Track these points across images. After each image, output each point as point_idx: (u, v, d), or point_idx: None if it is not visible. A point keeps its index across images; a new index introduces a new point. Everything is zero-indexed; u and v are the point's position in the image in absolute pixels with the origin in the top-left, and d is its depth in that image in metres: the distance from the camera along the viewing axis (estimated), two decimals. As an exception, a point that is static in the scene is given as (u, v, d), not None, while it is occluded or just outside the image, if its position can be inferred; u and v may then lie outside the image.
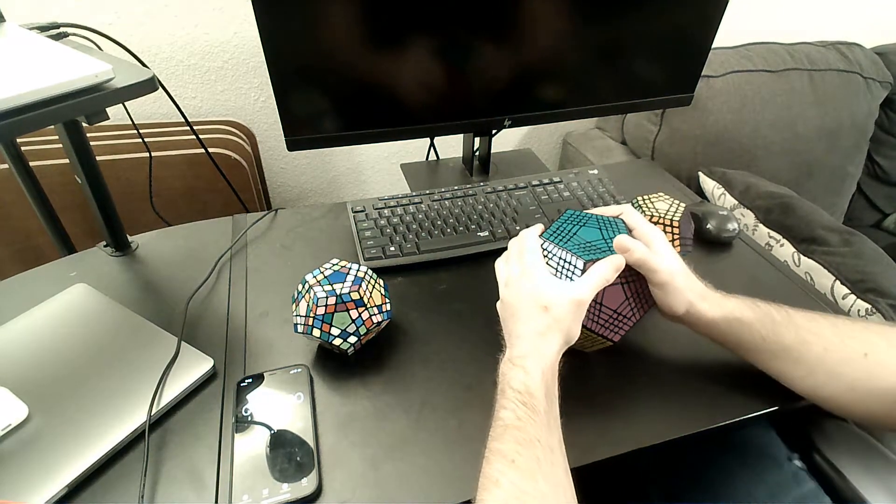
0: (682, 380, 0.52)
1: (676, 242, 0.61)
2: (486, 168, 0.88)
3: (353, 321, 0.49)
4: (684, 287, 0.47)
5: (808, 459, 0.53)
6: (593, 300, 0.45)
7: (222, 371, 0.51)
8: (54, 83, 0.40)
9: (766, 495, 0.52)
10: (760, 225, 0.88)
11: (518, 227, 0.69)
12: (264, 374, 0.50)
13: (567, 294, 0.43)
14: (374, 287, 0.52)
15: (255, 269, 0.65)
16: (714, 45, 0.76)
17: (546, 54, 0.70)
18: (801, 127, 1.13)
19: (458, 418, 0.48)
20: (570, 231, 0.49)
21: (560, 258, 0.47)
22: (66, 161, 0.60)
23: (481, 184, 0.76)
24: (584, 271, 0.45)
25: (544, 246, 0.48)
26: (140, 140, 0.74)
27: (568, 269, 0.46)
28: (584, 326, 0.46)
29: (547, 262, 0.47)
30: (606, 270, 0.44)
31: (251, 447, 0.44)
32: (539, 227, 0.50)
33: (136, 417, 0.45)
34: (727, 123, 1.06)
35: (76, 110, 0.42)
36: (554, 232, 0.50)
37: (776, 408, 0.49)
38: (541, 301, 0.43)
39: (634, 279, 0.48)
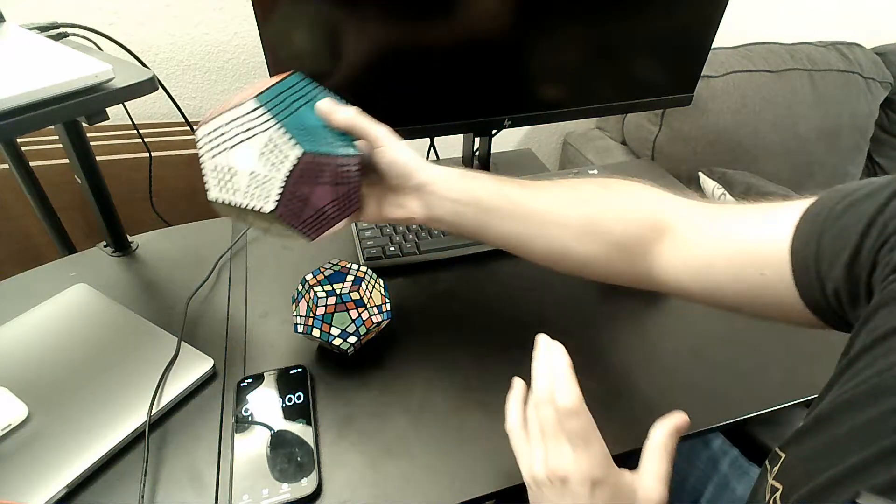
0: (682, 379, 0.52)
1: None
2: (486, 168, 0.88)
3: (353, 321, 0.49)
4: (408, 149, 0.44)
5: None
6: (302, 197, 0.39)
7: (222, 371, 0.51)
8: (54, 83, 0.40)
9: (708, 464, 0.55)
10: (760, 225, 0.88)
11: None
12: (264, 374, 0.50)
13: None
14: (374, 287, 0.52)
15: (255, 269, 0.64)
16: (714, 45, 0.76)
17: (546, 54, 0.70)
18: (802, 127, 1.13)
19: (458, 418, 0.48)
20: (292, 106, 0.41)
21: (272, 136, 0.38)
22: (66, 161, 0.60)
23: (481, 184, 0.76)
24: (297, 163, 0.38)
25: (257, 111, 0.39)
26: (140, 140, 0.74)
27: (275, 155, 0.38)
28: (286, 222, 0.40)
29: (244, 133, 0.38)
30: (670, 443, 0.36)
31: (251, 447, 0.44)
32: (569, 384, 0.34)
33: (135, 417, 0.45)
34: (727, 123, 1.06)
35: (76, 110, 0.42)
36: (277, 100, 0.40)
37: (774, 408, 0.49)
38: None
39: (347, 182, 0.42)
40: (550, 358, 0.36)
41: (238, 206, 0.40)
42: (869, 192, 0.31)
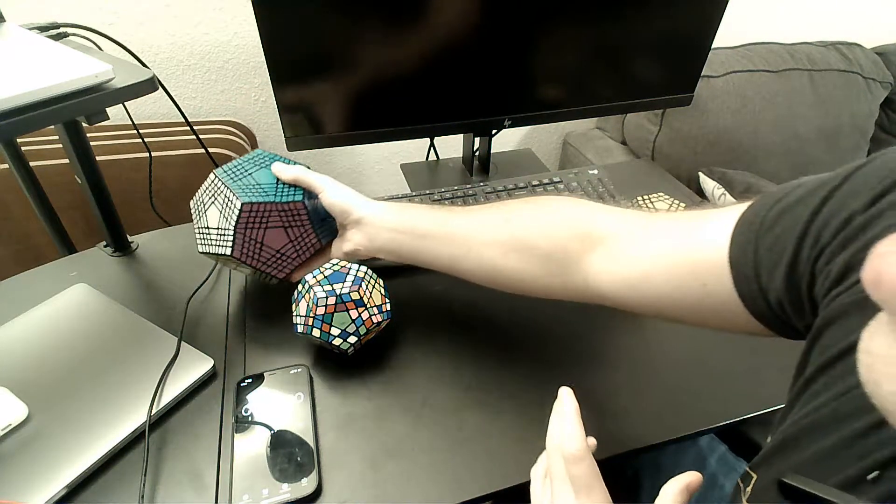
0: (682, 380, 0.52)
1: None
2: (486, 168, 0.88)
3: (353, 321, 0.49)
4: (347, 191, 0.51)
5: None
6: (255, 240, 0.50)
7: (222, 371, 0.51)
8: (54, 83, 0.40)
9: (695, 461, 0.56)
10: (760, 225, 0.88)
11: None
12: (264, 374, 0.50)
13: None
14: (374, 287, 0.52)
15: (255, 269, 0.64)
16: (714, 45, 0.76)
17: (546, 54, 0.70)
18: (802, 127, 1.13)
19: (458, 418, 0.48)
20: (246, 170, 0.51)
21: (225, 196, 0.49)
22: (66, 161, 0.60)
23: (481, 184, 0.76)
24: (240, 212, 0.48)
25: (214, 181, 0.50)
26: (140, 140, 0.74)
27: (228, 209, 0.49)
28: (248, 263, 0.51)
29: (210, 199, 0.50)
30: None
31: (251, 447, 0.44)
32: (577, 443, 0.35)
33: (135, 417, 0.45)
34: (727, 123, 1.06)
35: (76, 110, 0.42)
36: (231, 168, 0.52)
37: (770, 409, 0.49)
38: None
39: (298, 224, 0.52)
40: (562, 407, 0.37)
41: (213, 254, 0.52)
42: (800, 196, 0.31)
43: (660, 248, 0.38)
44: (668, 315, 0.39)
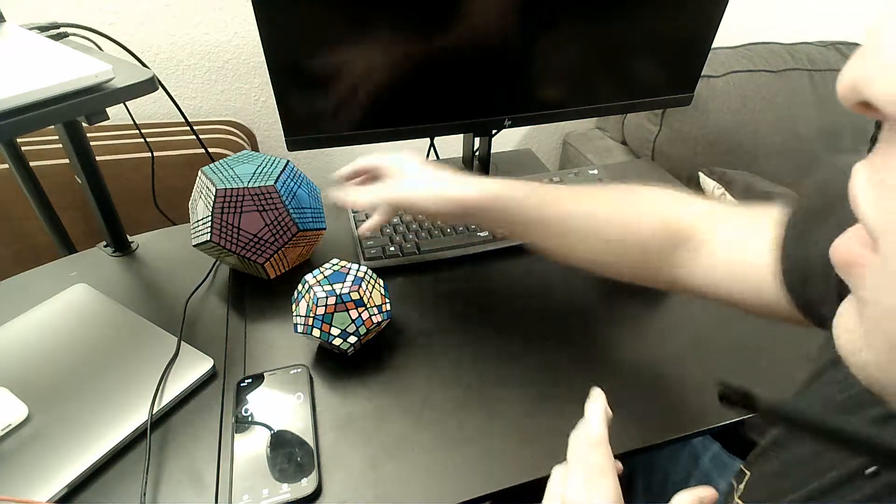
0: (680, 380, 0.52)
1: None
2: (486, 168, 0.88)
3: (353, 321, 0.49)
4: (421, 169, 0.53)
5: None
6: (232, 225, 0.53)
7: (222, 371, 0.51)
8: (54, 83, 0.40)
9: (689, 460, 0.57)
10: (760, 225, 0.88)
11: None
12: (264, 374, 0.50)
13: None
14: (374, 287, 0.52)
15: (255, 269, 0.64)
16: (714, 45, 0.76)
17: (546, 54, 0.70)
18: (802, 127, 1.13)
19: (458, 418, 0.48)
20: (229, 166, 0.56)
21: (206, 187, 0.53)
22: (66, 161, 0.60)
23: (481, 184, 0.76)
24: (215, 197, 0.52)
25: (201, 177, 0.55)
26: (140, 140, 0.74)
27: (209, 198, 0.53)
28: (229, 249, 0.54)
29: (201, 194, 0.54)
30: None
31: (251, 447, 0.44)
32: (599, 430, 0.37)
33: (136, 417, 0.45)
34: (727, 123, 1.06)
35: (76, 110, 0.42)
36: (216, 165, 0.56)
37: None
38: None
39: (272, 208, 0.54)
40: (591, 404, 0.39)
41: (200, 243, 0.55)
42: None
43: (741, 257, 0.40)
44: (748, 311, 0.41)
